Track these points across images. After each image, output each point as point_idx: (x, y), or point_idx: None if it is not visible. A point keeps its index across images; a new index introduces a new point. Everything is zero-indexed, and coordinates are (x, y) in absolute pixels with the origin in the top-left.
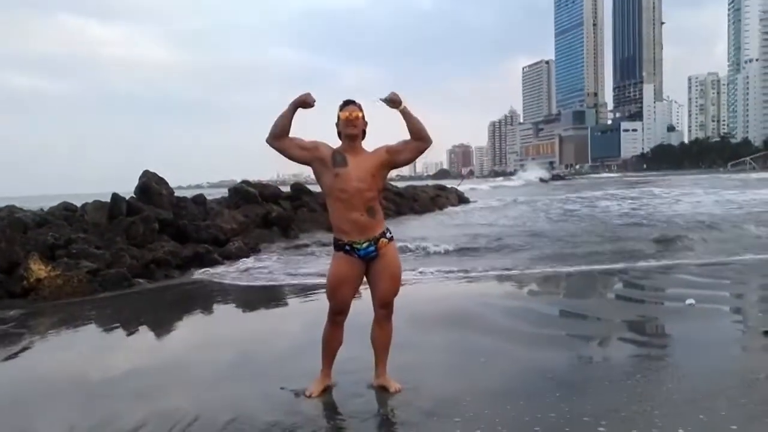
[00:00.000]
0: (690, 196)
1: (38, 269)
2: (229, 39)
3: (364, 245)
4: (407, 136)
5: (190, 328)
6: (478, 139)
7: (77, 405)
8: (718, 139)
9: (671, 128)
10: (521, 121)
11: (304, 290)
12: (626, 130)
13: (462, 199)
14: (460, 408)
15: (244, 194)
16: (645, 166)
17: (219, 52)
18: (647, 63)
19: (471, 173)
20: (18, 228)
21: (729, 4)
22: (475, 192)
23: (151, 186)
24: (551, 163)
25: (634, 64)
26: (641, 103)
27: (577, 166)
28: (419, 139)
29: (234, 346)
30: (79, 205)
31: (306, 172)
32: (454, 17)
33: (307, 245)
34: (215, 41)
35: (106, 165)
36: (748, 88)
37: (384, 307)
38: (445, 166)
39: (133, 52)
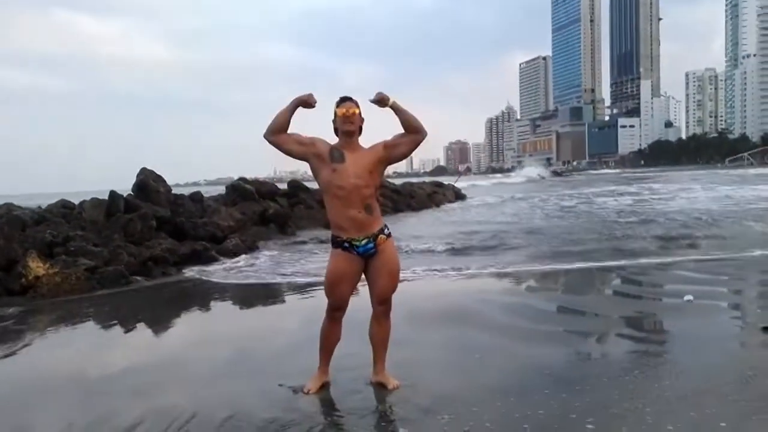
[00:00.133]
0: (688, 191)
1: (36, 267)
2: (229, 38)
3: (363, 242)
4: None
5: (188, 325)
6: (475, 135)
7: (75, 402)
8: (715, 134)
9: (669, 124)
10: (518, 117)
11: (302, 287)
12: (623, 126)
13: (459, 196)
14: (455, 405)
15: (241, 191)
16: (642, 162)
17: (218, 50)
18: (644, 59)
19: (468, 170)
20: (16, 226)
21: (726, 0)
22: (475, 188)
23: (148, 183)
24: (548, 159)
25: (631, 60)
26: (638, 99)
27: (575, 163)
28: (414, 132)
29: (231, 343)
30: (77, 203)
31: (303, 169)
32: (452, 15)
33: (304, 242)
34: (214, 40)
35: (103, 163)
36: (745, 84)
37: (382, 303)
38: (442, 163)
39: (132, 50)
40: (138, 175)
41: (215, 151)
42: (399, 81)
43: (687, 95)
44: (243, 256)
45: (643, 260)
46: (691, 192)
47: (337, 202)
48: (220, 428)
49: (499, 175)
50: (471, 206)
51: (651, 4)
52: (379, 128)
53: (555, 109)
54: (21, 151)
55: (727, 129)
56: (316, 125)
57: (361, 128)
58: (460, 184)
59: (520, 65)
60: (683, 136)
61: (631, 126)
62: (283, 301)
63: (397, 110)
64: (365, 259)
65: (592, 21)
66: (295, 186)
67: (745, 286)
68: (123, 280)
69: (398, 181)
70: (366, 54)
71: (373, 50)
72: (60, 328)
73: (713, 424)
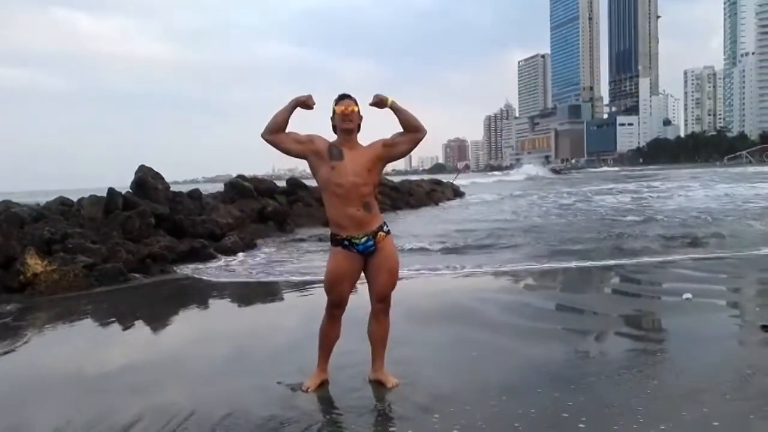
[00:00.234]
0: (687, 189)
1: (35, 264)
2: (229, 37)
3: (363, 240)
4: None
5: (186, 323)
6: (474, 133)
7: (73, 399)
8: (714, 133)
9: (667, 122)
10: (517, 115)
11: (300, 285)
12: (622, 124)
13: (458, 193)
14: (452, 404)
15: (239, 189)
16: (641, 160)
17: (217, 50)
18: (643, 57)
19: (467, 167)
20: (14, 223)
21: None
22: (474, 186)
23: (147, 181)
24: (547, 157)
25: (629, 58)
26: (637, 97)
27: (573, 161)
28: (413, 130)
29: (230, 341)
30: (75, 200)
31: (301, 167)
32: (451, 14)
33: (303, 240)
34: (214, 39)
35: (102, 161)
36: (744, 82)
37: (381, 301)
38: (441, 161)
39: (132, 49)
40: (136, 173)
41: (214, 150)
42: (398, 80)
43: (686, 93)
44: (241, 253)
45: (642, 258)
46: (689, 190)
47: (335, 199)
48: (219, 426)
49: (498, 172)
50: (470, 204)
51: (650, 1)
52: (378, 127)
53: (553, 106)
54: (20, 149)
55: (725, 127)
56: (315, 124)
57: (359, 126)
58: (459, 181)
59: (518, 63)
60: (682, 134)
61: (630, 124)
62: (282, 299)
63: (396, 110)
64: (365, 257)
65: (590, 19)
66: (294, 183)
67: (744, 284)
68: (121, 277)
69: (397, 179)
70: (366, 53)
71: (373, 49)
72: (58, 325)
73: (706, 423)
